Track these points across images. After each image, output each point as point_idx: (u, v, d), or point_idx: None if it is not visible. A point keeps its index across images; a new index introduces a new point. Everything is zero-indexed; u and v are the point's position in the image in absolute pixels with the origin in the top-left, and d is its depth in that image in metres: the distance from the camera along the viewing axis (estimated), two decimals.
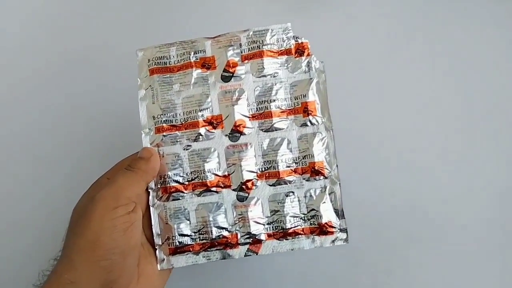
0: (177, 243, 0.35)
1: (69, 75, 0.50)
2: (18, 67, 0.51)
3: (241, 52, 0.37)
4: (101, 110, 0.49)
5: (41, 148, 0.48)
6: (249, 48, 0.37)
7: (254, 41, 0.37)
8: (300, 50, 0.37)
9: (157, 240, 0.36)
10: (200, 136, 0.36)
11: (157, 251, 0.36)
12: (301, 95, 0.36)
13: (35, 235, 0.45)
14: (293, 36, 0.37)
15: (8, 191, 0.48)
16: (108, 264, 0.30)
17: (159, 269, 0.35)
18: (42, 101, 0.49)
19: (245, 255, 0.36)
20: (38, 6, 0.52)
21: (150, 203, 0.36)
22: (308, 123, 0.36)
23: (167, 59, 0.37)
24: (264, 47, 0.37)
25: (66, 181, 0.47)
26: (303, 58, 0.37)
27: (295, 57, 0.37)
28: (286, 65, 0.37)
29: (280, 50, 0.37)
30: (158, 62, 0.37)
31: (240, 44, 0.37)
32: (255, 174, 0.36)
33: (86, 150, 0.48)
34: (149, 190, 0.36)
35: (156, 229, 0.36)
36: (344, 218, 0.36)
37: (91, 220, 0.31)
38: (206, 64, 0.37)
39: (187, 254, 0.36)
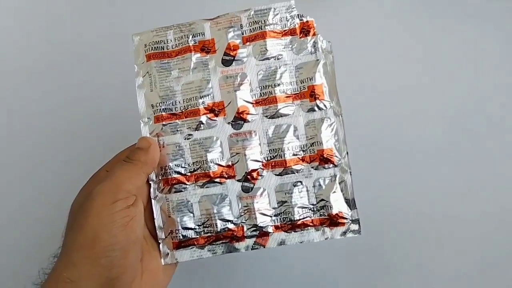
0: (181, 237, 0.34)
1: (65, 68, 0.49)
2: (13, 63, 0.50)
3: (242, 34, 0.34)
4: (99, 103, 0.47)
5: (39, 142, 0.48)
6: (250, 29, 0.34)
7: (255, 21, 0.34)
8: (305, 30, 0.34)
9: (160, 234, 0.34)
10: (202, 125, 0.34)
11: (160, 245, 0.34)
12: (307, 78, 0.34)
13: (34, 231, 0.45)
14: (298, 15, 0.34)
15: (7, 186, 0.47)
16: (109, 261, 0.29)
17: (163, 264, 0.34)
18: (38, 95, 0.49)
19: (252, 248, 0.34)
20: (32, 2, 0.51)
21: (152, 196, 0.34)
22: (316, 108, 0.34)
23: (164, 43, 0.35)
24: (266, 27, 0.34)
25: (65, 175, 0.46)
26: (309, 38, 0.34)
27: (300, 37, 0.34)
28: (290, 46, 0.34)
29: (284, 30, 0.34)
30: (155, 47, 0.35)
31: (241, 25, 0.35)
32: (261, 163, 0.34)
33: (85, 143, 0.47)
34: (150, 182, 0.34)
35: (158, 222, 0.34)
36: (356, 208, 0.34)
37: (89, 216, 0.29)
38: (206, 47, 0.35)
39: (191, 248, 0.34)
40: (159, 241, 0.34)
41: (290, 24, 0.34)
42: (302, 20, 0.34)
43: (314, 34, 0.34)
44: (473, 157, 0.46)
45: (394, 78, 0.47)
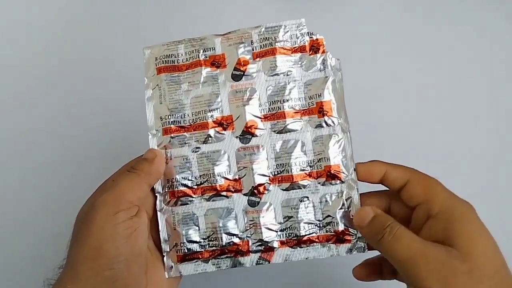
0: (186, 250, 0.34)
1: (76, 80, 0.50)
2: (22, 73, 0.51)
3: (253, 50, 0.35)
4: (110, 116, 0.48)
5: (47, 151, 0.48)
6: (261, 46, 0.35)
7: (266, 38, 0.35)
8: (315, 47, 0.35)
9: (165, 247, 0.34)
10: (210, 138, 0.34)
11: (164, 258, 0.34)
12: (316, 94, 0.34)
13: (41, 241, 0.44)
14: (308, 33, 0.35)
15: (12, 194, 0.47)
16: (113, 274, 0.29)
17: (167, 277, 0.34)
18: (48, 103, 0.49)
19: (257, 263, 0.34)
20: (40, 12, 0.52)
21: (158, 208, 0.34)
22: (324, 124, 0.34)
23: (175, 57, 0.36)
24: (276, 44, 0.35)
25: (72, 184, 0.46)
26: (318, 55, 0.35)
27: (310, 55, 0.35)
28: (300, 63, 0.35)
29: (294, 47, 0.35)
30: (166, 61, 0.36)
31: (252, 41, 0.35)
32: (268, 178, 0.34)
33: (94, 153, 0.47)
34: (156, 194, 0.34)
35: (163, 235, 0.34)
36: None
37: (92, 227, 0.29)
38: (216, 62, 0.35)
39: (196, 261, 0.34)
40: (164, 254, 0.34)
41: (300, 42, 0.35)
42: (312, 37, 0.35)
43: (323, 52, 0.35)
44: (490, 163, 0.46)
45: (395, 82, 0.48)
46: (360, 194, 0.34)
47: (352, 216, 0.33)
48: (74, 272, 0.29)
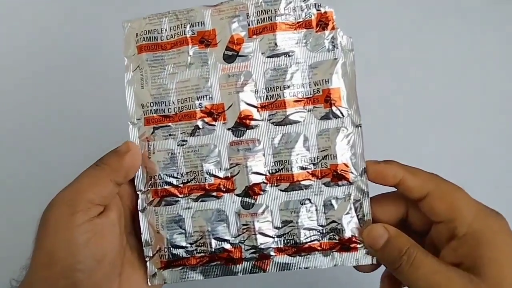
0: (170, 256, 0.30)
1: (68, 74, 0.49)
2: (16, 68, 0.50)
3: (249, 25, 0.29)
4: (100, 108, 0.47)
5: (46, 149, 0.48)
6: (258, 20, 0.29)
7: (265, 10, 0.29)
8: (323, 22, 0.29)
9: (147, 252, 0.30)
10: (198, 130, 0.30)
11: (147, 264, 0.30)
12: (322, 80, 0.29)
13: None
14: (314, 4, 0.29)
15: (6, 190, 0.47)
16: (69, 283, 0.26)
17: (149, 284, 0.30)
18: (41, 101, 0.48)
19: (250, 272, 0.30)
20: (36, 7, 0.51)
21: (139, 208, 0.30)
22: (331, 116, 0.29)
23: (158, 33, 0.30)
24: (277, 18, 0.29)
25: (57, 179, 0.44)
26: (327, 32, 0.29)
27: (317, 31, 0.29)
28: (304, 41, 0.29)
29: (298, 22, 0.29)
30: (147, 37, 0.30)
31: (247, 15, 0.29)
32: (264, 176, 0.30)
33: (87, 149, 0.44)
34: (137, 192, 0.30)
35: (145, 237, 0.30)
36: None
37: (46, 230, 0.26)
38: (205, 40, 0.30)
39: (182, 268, 0.30)
40: (146, 259, 0.30)
41: (305, 15, 0.29)
42: (319, 10, 0.29)
43: (333, 28, 0.29)
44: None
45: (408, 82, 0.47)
46: (372, 197, 0.29)
47: (360, 227, 0.29)
48: (29, 279, 0.26)
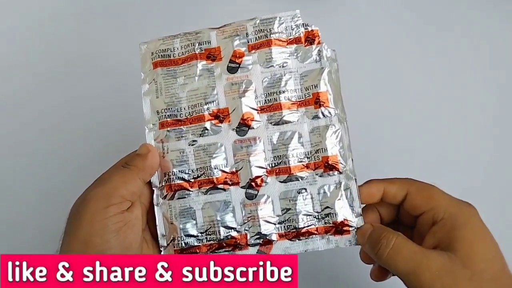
0: (183, 244, 0.33)
1: (73, 76, 0.50)
2: (19, 70, 0.51)
3: (248, 42, 0.35)
4: (105, 108, 0.48)
5: (46, 148, 0.48)
6: (256, 38, 0.35)
7: (261, 29, 0.35)
8: (310, 38, 0.35)
9: (162, 242, 0.34)
10: (206, 131, 0.34)
11: (162, 253, 0.34)
12: (312, 85, 0.34)
13: (35, 235, 0.44)
14: (302, 24, 0.35)
15: (9, 190, 0.47)
16: None
17: None
18: (44, 100, 0.49)
19: None
20: (38, 9, 0.53)
21: (155, 202, 0.34)
22: (320, 115, 0.34)
23: (171, 51, 0.36)
24: (272, 35, 0.35)
25: (71, 181, 0.46)
26: (314, 46, 0.35)
27: (305, 46, 0.35)
28: (295, 54, 0.35)
29: (289, 39, 0.35)
30: (162, 55, 0.36)
31: (247, 34, 0.35)
32: (265, 170, 0.34)
33: (91, 149, 0.47)
34: (153, 188, 0.34)
35: (160, 229, 0.34)
36: (362, 216, 0.33)
37: (82, 220, 0.29)
38: (211, 55, 0.35)
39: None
40: (161, 249, 0.34)
41: (295, 33, 0.35)
42: (307, 29, 0.35)
43: (319, 43, 0.35)
44: (482, 163, 0.46)
45: (394, 80, 0.48)
46: (368, 205, 0.34)
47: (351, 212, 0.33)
48: None
